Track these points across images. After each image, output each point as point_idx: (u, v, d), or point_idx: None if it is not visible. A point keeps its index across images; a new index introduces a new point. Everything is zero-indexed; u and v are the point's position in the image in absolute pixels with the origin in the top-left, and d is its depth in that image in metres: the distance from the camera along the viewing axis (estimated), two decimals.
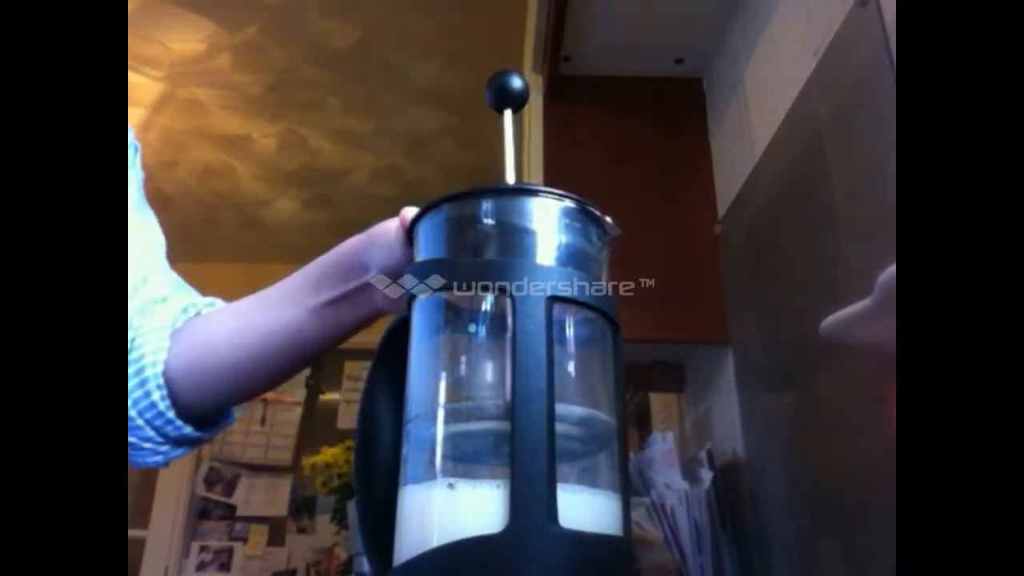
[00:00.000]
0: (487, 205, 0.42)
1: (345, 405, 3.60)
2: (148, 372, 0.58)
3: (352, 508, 1.63)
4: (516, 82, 0.49)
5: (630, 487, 0.45)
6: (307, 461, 2.66)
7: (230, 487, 3.46)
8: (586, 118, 1.58)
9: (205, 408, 0.62)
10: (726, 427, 1.44)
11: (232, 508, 3.43)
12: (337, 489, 2.58)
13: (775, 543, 1.22)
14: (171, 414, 0.59)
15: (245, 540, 3.39)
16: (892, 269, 0.71)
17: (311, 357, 0.61)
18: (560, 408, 0.38)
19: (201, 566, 3.32)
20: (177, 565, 3.30)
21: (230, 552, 3.36)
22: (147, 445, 0.60)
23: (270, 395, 3.55)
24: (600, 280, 0.43)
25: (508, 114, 0.48)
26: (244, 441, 3.48)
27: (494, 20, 2.23)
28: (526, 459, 0.36)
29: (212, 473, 3.47)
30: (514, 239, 0.41)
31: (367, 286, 0.58)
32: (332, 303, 0.58)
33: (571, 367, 0.41)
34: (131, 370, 0.58)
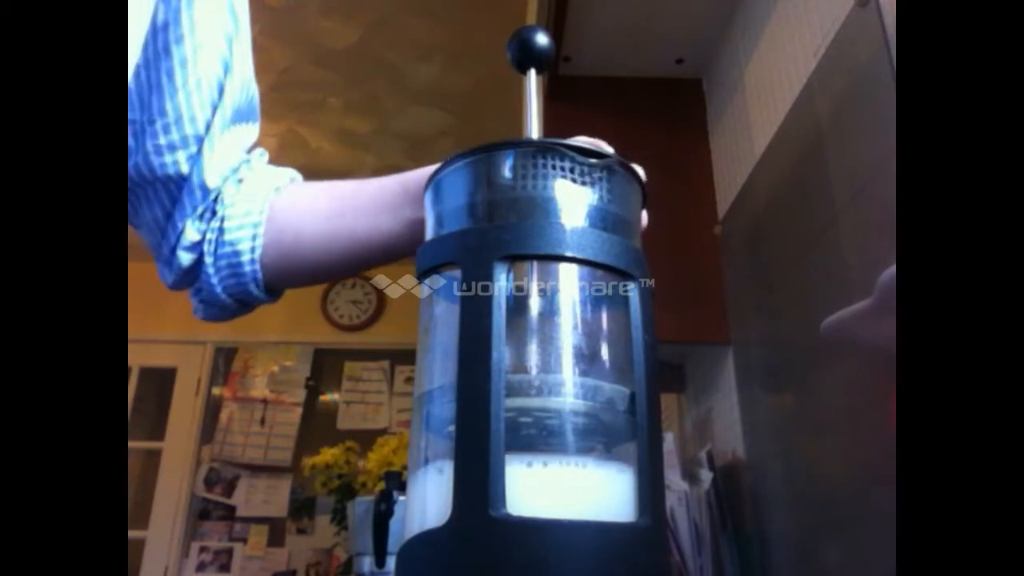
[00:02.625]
0: (488, 165, 0.40)
1: (345, 406, 3.60)
2: (247, 268, 0.61)
3: (351, 508, 1.62)
4: (541, 38, 0.45)
5: (661, 464, 0.39)
6: (307, 462, 2.66)
7: (230, 488, 3.46)
8: (586, 119, 1.58)
9: (285, 287, 0.66)
10: (726, 428, 1.44)
11: (232, 509, 3.43)
12: (337, 490, 2.58)
13: (775, 543, 1.22)
14: (263, 295, 0.63)
15: (245, 541, 3.38)
16: (892, 269, 0.71)
17: (395, 259, 0.62)
18: (549, 379, 0.36)
19: (201, 567, 3.32)
20: (177, 566, 3.29)
21: (230, 553, 3.36)
22: (228, 312, 0.65)
23: (270, 396, 3.55)
24: (631, 240, 0.40)
25: (532, 74, 0.45)
26: (244, 442, 3.48)
27: (494, 20, 2.23)
28: (466, 439, 0.34)
29: (212, 474, 3.47)
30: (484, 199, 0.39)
31: None
32: (419, 224, 0.58)
33: (574, 335, 0.39)
34: (223, 263, 0.61)
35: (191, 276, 0.62)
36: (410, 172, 0.60)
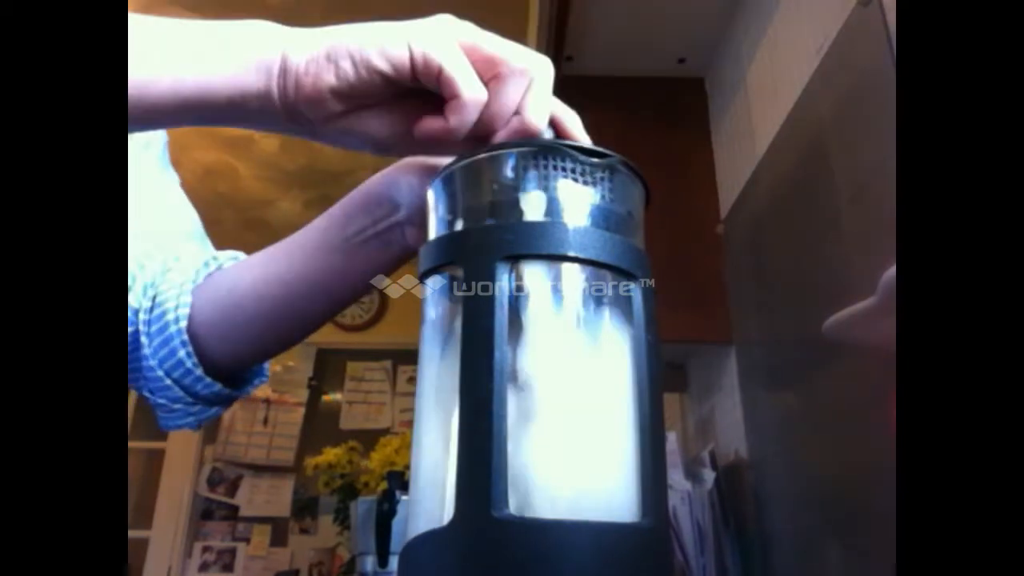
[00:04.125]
0: (494, 164, 0.40)
1: (347, 406, 3.61)
2: (172, 329, 0.57)
3: (354, 508, 1.63)
4: None
5: (663, 463, 0.39)
6: (309, 462, 2.67)
7: (233, 487, 3.46)
8: (588, 118, 1.58)
9: (235, 364, 0.61)
10: (729, 427, 1.44)
11: (235, 508, 3.44)
12: (339, 489, 2.58)
13: (778, 543, 1.22)
14: (199, 371, 0.58)
15: (248, 540, 3.39)
16: (895, 268, 0.71)
17: (341, 303, 0.58)
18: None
19: (204, 567, 3.32)
20: (180, 566, 3.30)
21: (233, 553, 3.36)
22: (177, 406, 0.59)
23: (272, 395, 3.56)
24: (634, 240, 0.40)
25: None
26: (247, 442, 3.48)
27: (496, 20, 2.22)
28: (469, 439, 0.34)
29: (215, 474, 3.48)
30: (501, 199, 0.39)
31: (396, 224, 0.54)
32: (361, 244, 0.55)
33: (578, 334, 0.38)
34: (153, 329, 0.57)
35: (132, 357, 0.59)
36: (346, 197, 0.56)
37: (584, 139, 0.46)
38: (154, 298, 0.59)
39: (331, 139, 0.45)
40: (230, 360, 0.60)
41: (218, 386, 0.59)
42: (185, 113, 0.42)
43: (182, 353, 0.57)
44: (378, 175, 0.55)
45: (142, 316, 0.58)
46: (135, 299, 0.59)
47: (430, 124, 0.42)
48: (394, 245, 0.55)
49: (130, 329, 0.58)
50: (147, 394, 0.60)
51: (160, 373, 0.57)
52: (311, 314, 0.59)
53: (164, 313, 0.57)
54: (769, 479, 1.26)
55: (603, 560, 0.34)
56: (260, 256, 0.61)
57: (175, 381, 0.58)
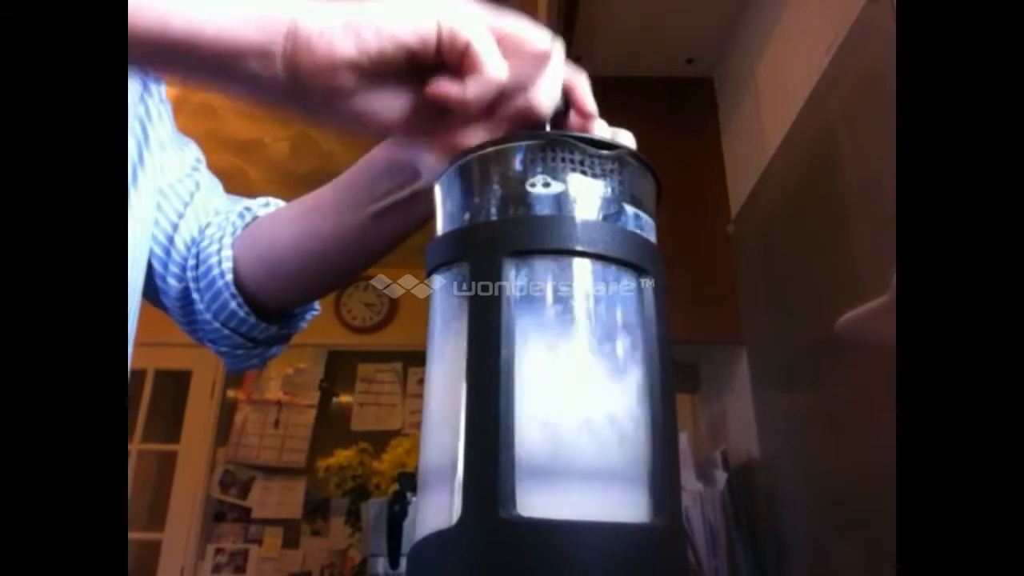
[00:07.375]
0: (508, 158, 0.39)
1: (358, 408, 3.61)
2: (219, 283, 0.59)
3: (365, 509, 1.63)
4: None
5: (677, 463, 0.39)
6: (321, 463, 2.68)
7: (245, 489, 3.47)
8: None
9: (285, 307, 0.64)
10: (741, 428, 1.43)
11: (247, 510, 3.44)
12: (351, 491, 2.59)
13: (790, 544, 1.21)
14: (253, 318, 0.60)
15: (260, 542, 3.40)
16: None
17: (378, 255, 0.60)
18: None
19: (216, 568, 3.33)
20: (192, 567, 3.31)
21: (245, 554, 3.37)
22: (240, 351, 0.63)
23: (284, 397, 3.57)
24: (645, 233, 0.40)
25: None
26: (258, 444, 3.49)
27: None
28: (475, 438, 0.33)
29: (227, 476, 3.49)
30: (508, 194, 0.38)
31: (419, 190, 0.54)
32: (389, 207, 0.56)
33: (588, 331, 0.38)
34: (202, 284, 0.60)
35: (187, 311, 0.62)
36: (369, 155, 0.57)
37: (590, 102, 0.47)
38: (197, 254, 0.61)
39: (328, 118, 0.41)
40: (280, 304, 0.63)
41: (274, 328, 0.63)
42: (171, 59, 0.38)
43: (234, 304, 0.60)
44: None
45: (189, 273, 0.61)
46: (178, 255, 0.61)
47: (447, 87, 0.39)
48: (424, 204, 0.54)
49: (180, 286, 0.61)
50: (209, 344, 0.63)
51: (217, 325, 0.60)
52: (350, 266, 0.61)
53: (210, 268, 0.60)
54: (781, 480, 1.25)
55: (614, 561, 0.33)
56: (294, 209, 0.62)
57: (232, 330, 0.61)
